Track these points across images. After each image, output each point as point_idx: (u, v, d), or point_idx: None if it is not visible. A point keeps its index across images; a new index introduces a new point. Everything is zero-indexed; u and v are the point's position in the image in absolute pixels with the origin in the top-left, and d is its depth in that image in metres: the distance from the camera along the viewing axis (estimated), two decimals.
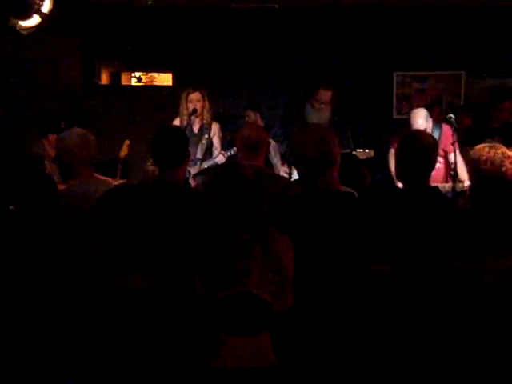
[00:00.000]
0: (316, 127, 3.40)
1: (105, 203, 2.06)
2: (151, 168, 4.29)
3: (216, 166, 5.20)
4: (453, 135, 5.37)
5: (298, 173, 3.23)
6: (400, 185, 5.41)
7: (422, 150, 3.16)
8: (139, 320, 1.96)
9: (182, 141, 3.41)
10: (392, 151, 6.09)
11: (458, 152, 5.31)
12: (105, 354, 1.93)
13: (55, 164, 3.90)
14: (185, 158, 3.41)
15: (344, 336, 2.63)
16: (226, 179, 2.56)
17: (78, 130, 3.83)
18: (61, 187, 3.60)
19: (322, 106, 6.02)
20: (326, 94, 6.03)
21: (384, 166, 6.24)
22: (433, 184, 3.40)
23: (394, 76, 9.03)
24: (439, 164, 5.25)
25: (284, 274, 2.29)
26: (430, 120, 5.77)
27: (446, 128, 5.75)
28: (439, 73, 8.92)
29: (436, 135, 5.11)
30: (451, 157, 5.32)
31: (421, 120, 5.72)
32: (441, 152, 5.38)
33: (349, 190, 3.19)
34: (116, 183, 4.59)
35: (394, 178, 5.89)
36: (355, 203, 3.01)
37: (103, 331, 1.94)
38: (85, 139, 3.74)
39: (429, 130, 5.62)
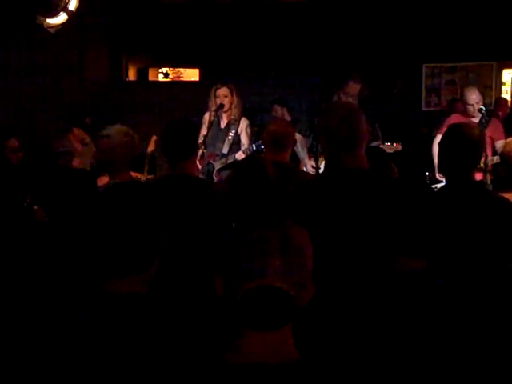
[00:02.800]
0: (343, 104, 3.28)
1: (105, 201, 2.04)
2: None
3: (237, 162, 5.17)
4: (485, 127, 5.31)
5: (325, 151, 3.06)
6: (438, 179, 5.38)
7: (470, 143, 2.98)
8: (139, 321, 1.94)
9: (190, 134, 3.47)
10: (439, 137, 5.97)
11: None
12: (108, 355, 1.92)
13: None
14: (193, 151, 3.48)
15: (367, 329, 2.57)
16: (247, 175, 2.54)
17: (122, 128, 3.76)
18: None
19: (350, 99, 5.96)
20: (354, 87, 5.99)
21: (412, 160, 6.15)
22: None
23: (423, 68, 8.91)
24: None
25: (304, 267, 2.26)
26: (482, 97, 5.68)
27: None
28: (469, 63, 8.78)
29: None
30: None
31: (475, 95, 5.64)
32: None
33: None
34: (143, 179, 4.60)
35: (437, 167, 5.81)
36: (385, 181, 2.87)
37: (105, 334, 1.93)
38: (130, 138, 3.72)
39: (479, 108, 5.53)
